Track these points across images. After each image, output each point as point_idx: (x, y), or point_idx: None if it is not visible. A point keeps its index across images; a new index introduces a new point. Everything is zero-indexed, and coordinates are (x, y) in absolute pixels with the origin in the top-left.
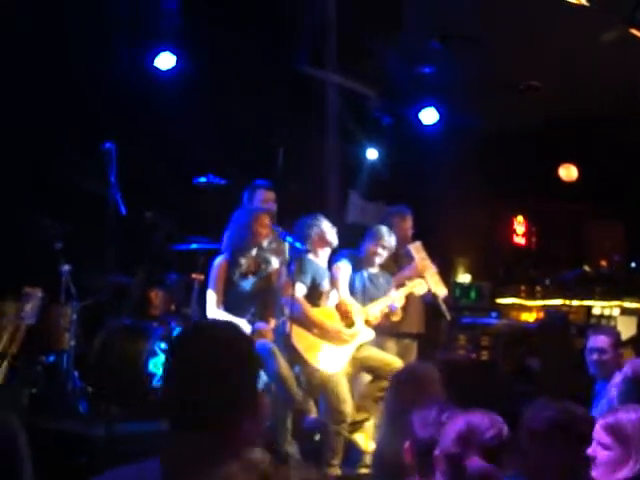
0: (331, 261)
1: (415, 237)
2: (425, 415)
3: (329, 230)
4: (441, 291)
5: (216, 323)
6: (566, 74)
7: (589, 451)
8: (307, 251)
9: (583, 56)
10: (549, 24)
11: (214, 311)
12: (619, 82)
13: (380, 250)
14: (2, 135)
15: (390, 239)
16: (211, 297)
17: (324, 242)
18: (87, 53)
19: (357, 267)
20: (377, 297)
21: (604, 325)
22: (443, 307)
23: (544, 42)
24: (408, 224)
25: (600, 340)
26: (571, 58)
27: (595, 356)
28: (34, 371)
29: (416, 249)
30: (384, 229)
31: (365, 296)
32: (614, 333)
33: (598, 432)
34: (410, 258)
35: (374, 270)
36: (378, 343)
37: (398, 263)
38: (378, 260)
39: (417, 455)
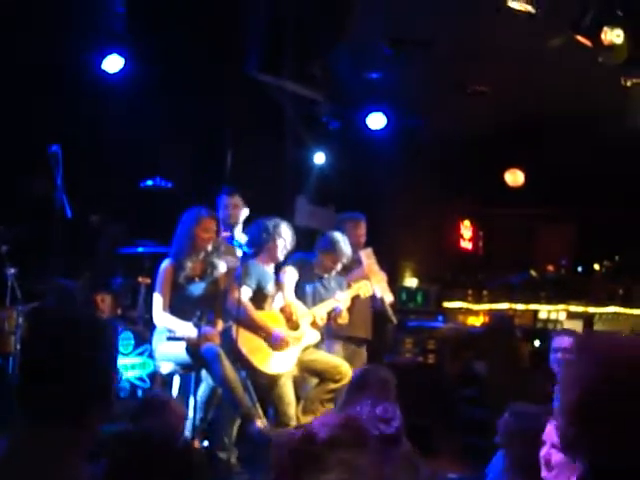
0: (279, 264)
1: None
2: (356, 411)
3: (281, 246)
4: (387, 297)
5: (68, 309)
6: (513, 79)
7: (542, 454)
8: (253, 256)
9: (530, 61)
10: (497, 29)
11: (160, 314)
12: (565, 87)
13: (338, 266)
14: None
15: (347, 251)
16: (157, 300)
17: (271, 257)
18: (34, 54)
19: (309, 271)
20: (328, 299)
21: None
22: (389, 311)
23: (492, 47)
24: (361, 230)
25: (565, 341)
26: (518, 63)
27: (559, 355)
28: None
29: (366, 255)
30: (341, 243)
31: (316, 299)
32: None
33: (550, 434)
34: (360, 263)
35: (326, 274)
36: (326, 347)
37: (348, 267)
38: (334, 272)
39: None
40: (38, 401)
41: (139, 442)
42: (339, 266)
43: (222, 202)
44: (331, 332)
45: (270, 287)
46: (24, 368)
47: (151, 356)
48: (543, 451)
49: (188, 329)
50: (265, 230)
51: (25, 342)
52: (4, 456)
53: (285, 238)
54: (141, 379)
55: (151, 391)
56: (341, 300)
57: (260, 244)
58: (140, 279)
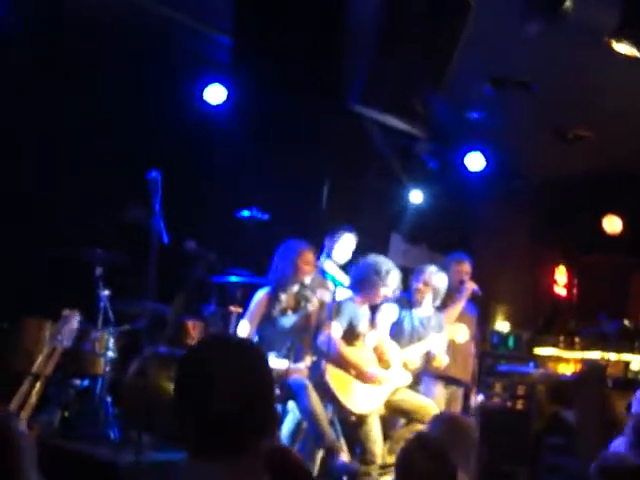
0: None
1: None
2: None
3: (384, 294)
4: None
5: (230, 337)
6: (617, 125)
7: None
8: (352, 292)
9: (635, 108)
10: (603, 73)
11: None
12: None
13: (422, 287)
14: (50, 163)
15: (436, 277)
16: (244, 327)
17: (370, 299)
18: (135, 83)
19: (406, 308)
20: (426, 338)
21: None
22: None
23: (597, 92)
24: (462, 268)
25: None
26: (623, 109)
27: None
28: (66, 394)
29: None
30: (430, 268)
31: (413, 337)
32: None
33: None
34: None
35: (426, 312)
36: (424, 388)
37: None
38: (421, 298)
39: None
40: (214, 433)
41: None
42: (425, 289)
43: (336, 238)
44: (429, 373)
45: (362, 326)
46: (193, 400)
47: None
48: None
49: (276, 361)
50: (376, 273)
51: (195, 374)
52: None
53: (391, 287)
54: None
55: None
56: (434, 343)
57: (365, 284)
58: (232, 308)
